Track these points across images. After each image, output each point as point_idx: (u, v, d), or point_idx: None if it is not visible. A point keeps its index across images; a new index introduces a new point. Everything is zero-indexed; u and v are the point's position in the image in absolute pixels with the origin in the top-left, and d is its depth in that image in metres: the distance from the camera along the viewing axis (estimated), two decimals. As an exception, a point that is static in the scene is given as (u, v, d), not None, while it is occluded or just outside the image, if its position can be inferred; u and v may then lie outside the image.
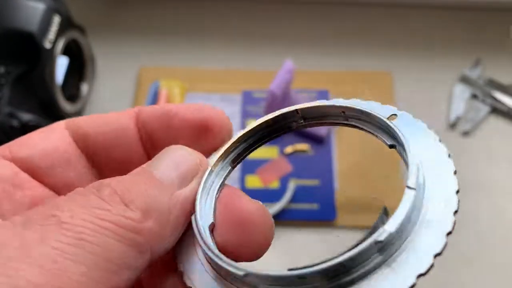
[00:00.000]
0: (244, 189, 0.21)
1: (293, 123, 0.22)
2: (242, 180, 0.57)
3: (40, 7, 0.52)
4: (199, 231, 0.19)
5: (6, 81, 0.50)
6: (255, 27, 0.70)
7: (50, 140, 0.21)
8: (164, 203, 0.18)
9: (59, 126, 0.22)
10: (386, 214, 0.17)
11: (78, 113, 0.62)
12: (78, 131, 0.22)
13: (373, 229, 0.17)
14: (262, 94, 0.63)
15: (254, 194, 0.20)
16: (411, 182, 0.17)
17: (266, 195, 0.56)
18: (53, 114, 0.56)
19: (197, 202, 0.19)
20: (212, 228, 0.19)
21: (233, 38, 0.69)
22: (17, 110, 0.51)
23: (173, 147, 0.20)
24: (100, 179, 0.22)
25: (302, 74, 0.62)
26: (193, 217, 0.19)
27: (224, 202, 0.20)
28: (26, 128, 0.50)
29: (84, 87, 0.63)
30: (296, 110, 0.21)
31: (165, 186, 0.19)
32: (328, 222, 0.56)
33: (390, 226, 0.16)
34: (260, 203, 0.20)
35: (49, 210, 0.16)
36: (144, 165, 0.19)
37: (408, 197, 0.17)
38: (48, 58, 0.53)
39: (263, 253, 0.20)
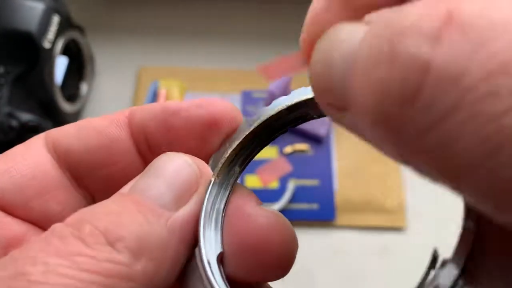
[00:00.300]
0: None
1: (308, 112, 0.19)
2: (241, 180, 0.57)
3: (39, 7, 0.52)
4: (204, 268, 0.16)
5: (6, 81, 0.50)
6: (255, 27, 0.70)
7: (25, 165, 0.18)
8: (159, 234, 0.15)
9: (37, 143, 0.18)
10: (435, 258, 0.15)
11: (78, 113, 0.62)
12: (58, 148, 0.18)
13: (425, 276, 0.15)
14: (261, 94, 0.63)
15: (254, 194, 0.20)
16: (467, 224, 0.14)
17: (265, 195, 0.56)
18: (52, 114, 0.56)
19: (200, 229, 0.16)
20: (221, 258, 0.16)
21: (233, 38, 0.69)
22: (16, 110, 0.51)
23: (165, 156, 0.17)
24: (89, 200, 0.19)
25: (302, 74, 0.62)
26: (196, 250, 0.16)
27: (233, 223, 0.17)
28: (25, 128, 0.50)
29: (84, 87, 0.63)
30: (312, 98, 0.18)
31: (158, 211, 0.15)
32: (328, 222, 0.56)
33: (445, 279, 0.14)
34: (277, 212, 0.17)
35: (19, 264, 0.13)
36: (131, 185, 0.16)
37: (467, 240, 0.14)
38: (48, 58, 0.53)
39: (289, 269, 0.17)
